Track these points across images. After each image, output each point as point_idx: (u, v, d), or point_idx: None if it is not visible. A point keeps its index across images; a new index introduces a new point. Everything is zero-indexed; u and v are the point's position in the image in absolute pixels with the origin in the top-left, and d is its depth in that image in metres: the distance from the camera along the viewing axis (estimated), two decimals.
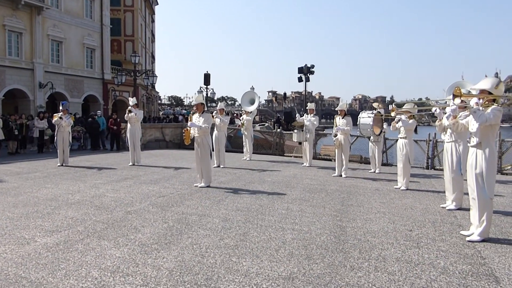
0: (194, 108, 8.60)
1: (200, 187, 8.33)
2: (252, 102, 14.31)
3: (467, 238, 4.89)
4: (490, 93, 4.78)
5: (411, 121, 8.21)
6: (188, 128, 8.33)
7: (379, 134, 10.52)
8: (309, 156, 12.59)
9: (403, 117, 8.22)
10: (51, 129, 17.72)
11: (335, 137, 10.41)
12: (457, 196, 6.63)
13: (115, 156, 15.11)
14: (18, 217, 5.78)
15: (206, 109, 8.79)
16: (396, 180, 8.71)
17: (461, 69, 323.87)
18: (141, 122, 12.80)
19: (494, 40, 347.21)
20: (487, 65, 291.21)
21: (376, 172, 11.16)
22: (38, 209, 6.28)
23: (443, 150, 7.44)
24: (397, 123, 8.33)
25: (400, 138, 8.42)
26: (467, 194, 5.21)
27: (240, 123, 14.49)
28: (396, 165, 8.52)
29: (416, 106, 8.67)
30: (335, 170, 10.54)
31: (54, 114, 12.40)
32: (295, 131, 12.53)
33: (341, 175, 10.31)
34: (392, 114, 8.47)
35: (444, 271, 3.90)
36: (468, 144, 5.15)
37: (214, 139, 11.87)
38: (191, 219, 5.76)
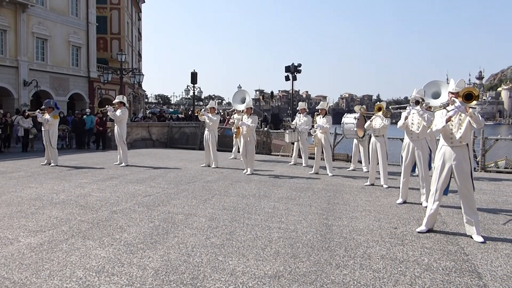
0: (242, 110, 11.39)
1: (247, 174, 10.13)
2: (243, 101, 14.22)
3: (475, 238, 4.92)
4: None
5: (386, 119, 8.48)
6: (240, 127, 10.44)
7: (362, 137, 10.67)
8: (304, 155, 12.52)
9: (380, 115, 8.42)
10: (36, 128, 17.52)
11: (314, 133, 10.52)
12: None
13: (101, 155, 14.97)
14: (1, 217, 5.69)
15: (252, 111, 10.67)
16: (379, 179, 8.80)
17: (446, 67, 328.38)
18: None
19: (478, 40, 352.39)
20: (471, 64, 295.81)
21: (364, 170, 11.23)
22: (21, 208, 6.20)
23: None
24: (372, 121, 8.64)
25: (376, 136, 8.57)
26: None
27: (231, 122, 14.37)
28: (379, 164, 8.66)
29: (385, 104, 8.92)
30: (325, 168, 10.56)
31: (30, 113, 12.30)
32: (287, 131, 12.53)
33: (317, 173, 10.51)
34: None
35: (428, 267, 3.96)
36: (448, 144, 5.13)
37: (204, 139, 11.75)
38: (177, 218, 5.74)
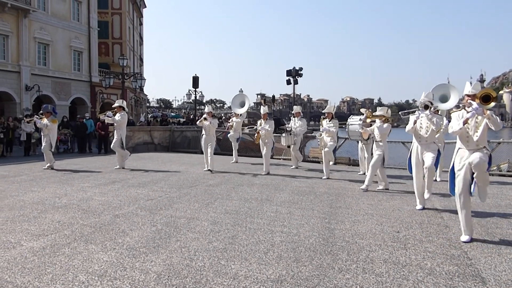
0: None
1: (262, 175, 10.71)
2: (242, 105, 14.27)
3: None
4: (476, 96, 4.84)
5: (385, 125, 8.39)
6: (260, 131, 11.44)
7: (367, 139, 10.63)
8: (297, 157, 12.64)
9: (377, 122, 8.40)
10: (38, 133, 17.57)
11: (319, 136, 10.50)
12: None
13: (102, 159, 14.99)
14: (4, 221, 5.70)
15: (271, 116, 11.58)
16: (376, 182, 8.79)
17: (447, 70, 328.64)
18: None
19: (480, 42, 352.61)
20: (472, 67, 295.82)
21: (359, 173, 11.19)
22: (24, 212, 6.21)
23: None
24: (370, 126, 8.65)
25: (376, 141, 8.56)
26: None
27: (229, 125, 14.43)
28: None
29: (389, 110, 8.88)
30: (323, 172, 10.52)
31: (27, 119, 12.34)
32: (283, 135, 12.54)
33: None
34: (367, 120, 8.73)
35: (431, 272, 3.94)
36: (465, 148, 5.06)
37: (202, 143, 11.77)
38: (180, 222, 5.74)
